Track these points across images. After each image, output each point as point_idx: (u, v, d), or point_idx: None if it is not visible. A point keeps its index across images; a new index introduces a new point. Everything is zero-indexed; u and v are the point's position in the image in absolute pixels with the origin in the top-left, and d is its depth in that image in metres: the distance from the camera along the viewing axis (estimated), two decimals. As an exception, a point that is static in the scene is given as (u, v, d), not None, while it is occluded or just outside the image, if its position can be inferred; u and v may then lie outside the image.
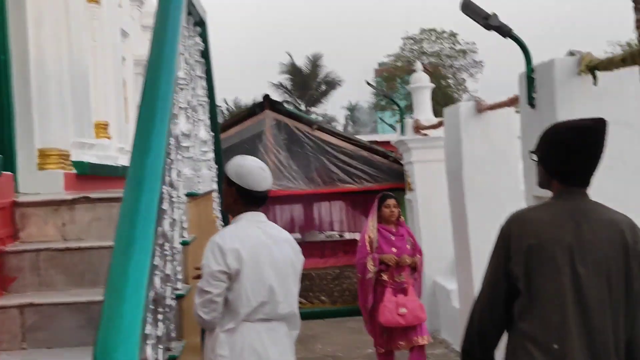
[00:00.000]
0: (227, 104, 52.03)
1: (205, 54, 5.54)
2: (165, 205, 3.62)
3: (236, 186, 3.72)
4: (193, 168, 4.87)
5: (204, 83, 5.49)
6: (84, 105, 6.05)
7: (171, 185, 3.84)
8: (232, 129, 11.94)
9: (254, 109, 12.08)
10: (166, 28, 3.93)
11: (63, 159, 5.45)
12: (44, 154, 5.32)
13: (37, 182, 5.19)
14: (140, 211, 3.01)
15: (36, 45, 5.34)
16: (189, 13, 5.03)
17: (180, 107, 4.46)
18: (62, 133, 5.52)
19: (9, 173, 4.48)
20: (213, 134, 5.78)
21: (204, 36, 5.51)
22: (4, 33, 5.23)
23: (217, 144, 5.95)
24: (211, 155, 5.65)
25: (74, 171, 5.59)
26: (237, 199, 3.74)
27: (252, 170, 3.72)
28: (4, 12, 5.24)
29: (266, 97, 12.03)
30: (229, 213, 3.91)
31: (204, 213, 5.05)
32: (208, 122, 5.56)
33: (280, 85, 51.03)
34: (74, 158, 5.65)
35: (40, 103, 5.33)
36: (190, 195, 4.55)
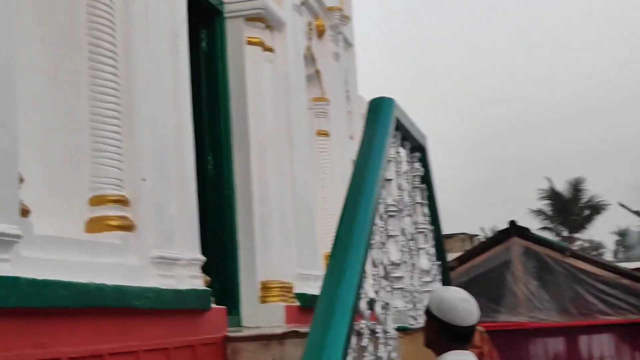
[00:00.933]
0: (485, 232, 51.26)
1: (426, 180, 5.34)
2: (364, 342, 3.38)
3: (437, 320, 3.36)
4: (409, 300, 4.58)
5: (425, 209, 5.26)
6: (308, 236, 6.05)
7: (375, 319, 3.60)
8: (477, 257, 11.59)
9: (499, 237, 11.70)
10: (368, 156, 3.80)
11: (285, 291, 5.43)
12: (266, 287, 5.33)
13: (258, 315, 5.21)
14: (326, 348, 2.78)
15: (259, 179, 5.48)
16: (404, 138, 4.89)
17: (389, 235, 4.24)
18: (285, 265, 5.53)
19: (222, 307, 4.48)
20: (440, 262, 5.47)
21: (423, 161, 5.32)
22: (230, 168, 5.43)
23: (444, 273, 5.63)
24: (436, 285, 5.33)
25: (297, 303, 5.53)
26: (440, 335, 3.37)
27: (455, 302, 3.34)
28: (229, 148, 5.46)
29: (512, 223, 11.63)
30: (431, 350, 3.53)
31: (423, 349, 4.69)
32: (432, 250, 5.29)
33: (539, 212, 49.46)
34: (297, 290, 5.60)
35: (263, 236, 5.42)
36: (402, 330, 4.25)
